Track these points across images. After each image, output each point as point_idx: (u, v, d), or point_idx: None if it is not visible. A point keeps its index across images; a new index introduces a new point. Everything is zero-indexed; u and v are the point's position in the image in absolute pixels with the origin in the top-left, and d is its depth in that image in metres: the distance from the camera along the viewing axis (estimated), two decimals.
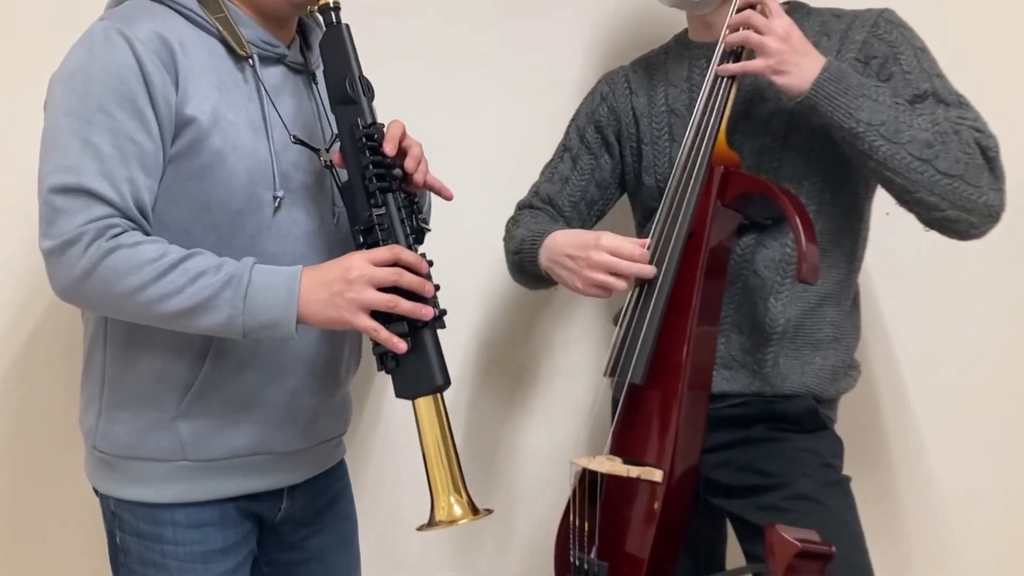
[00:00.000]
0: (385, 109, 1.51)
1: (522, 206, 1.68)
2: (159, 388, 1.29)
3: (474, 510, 1.26)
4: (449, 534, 1.90)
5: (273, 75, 1.35)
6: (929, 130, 1.33)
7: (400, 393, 1.27)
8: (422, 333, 1.25)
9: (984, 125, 1.37)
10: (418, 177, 1.31)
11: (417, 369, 1.25)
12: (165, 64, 1.23)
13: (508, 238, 1.63)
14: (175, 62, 1.24)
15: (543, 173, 1.69)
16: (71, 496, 1.68)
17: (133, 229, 1.20)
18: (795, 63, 1.35)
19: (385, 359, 1.26)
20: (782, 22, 1.37)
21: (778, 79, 1.36)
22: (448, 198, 1.38)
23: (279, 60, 1.36)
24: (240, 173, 1.27)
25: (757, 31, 1.38)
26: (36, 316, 1.72)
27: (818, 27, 1.47)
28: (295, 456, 1.39)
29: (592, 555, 1.43)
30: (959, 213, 1.34)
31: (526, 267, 1.57)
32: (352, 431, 1.52)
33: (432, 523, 1.26)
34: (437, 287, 1.27)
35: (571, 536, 1.46)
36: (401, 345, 1.22)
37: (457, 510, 1.25)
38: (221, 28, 1.30)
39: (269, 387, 1.33)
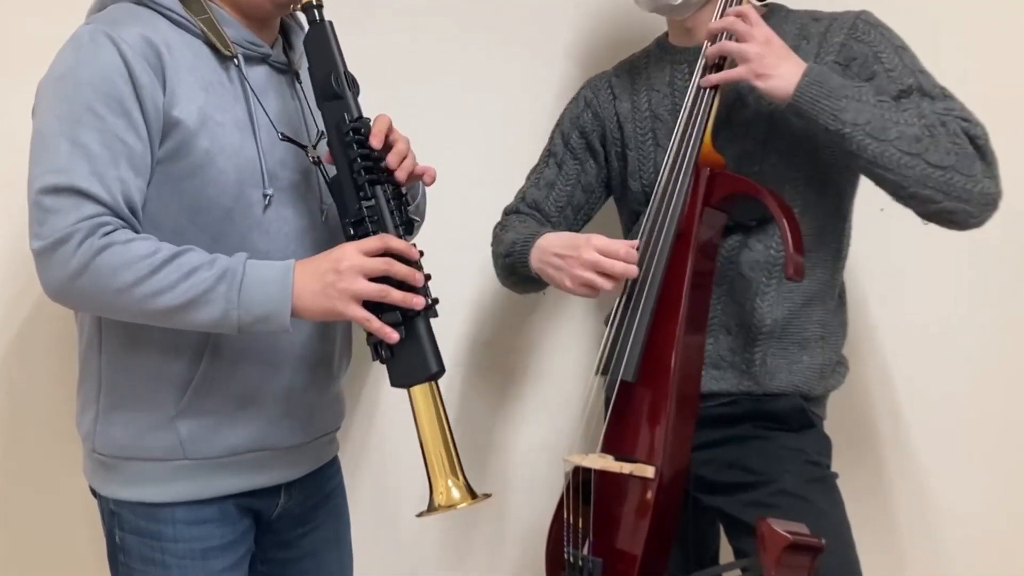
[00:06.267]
0: (372, 112, 1.53)
1: (509, 212, 1.68)
2: (157, 388, 1.29)
3: (472, 494, 1.27)
4: (442, 531, 1.91)
5: (258, 74, 1.36)
6: (916, 124, 1.33)
7: (395, 382, 1.28)
8: (415, 322, 1.25)
9: (970, 114, 1.37)
10: (400, 174, 1.31)
11: (411, 358, 1.26)
12: (152, 66, 1.23)
13: (497, 242, 1.63)
14: (162, 64, 1.24)
15: (529, 178, 1.69)
16: (66, 495, 1.68)
17: (124, 227, 1.20)
18: (776, 67, 1.36)
19: (379, 349, 1.26)
20: (762, 28, 1.39)
21: (760, 83, 1.37)
22: (427, 182, 1.37)
23: (263, 60, 1.37)
24: (229, 172, 1.28)
25: (738, 38, 1.39)
26: (29, 317, 1.72)
27: (797, 30, 1.49)
28: (293, 452, 1.40)
29: (586, 551, 1.44)
30: (956, 204, 1.33)
31: (517, 269, 1.57)
32: (345, 428, 1.52)
33: (431, 508, 1.26)
34: (428, 276, 1.27)
35: (565, 533, 1.47)
36: (393, 335, 1.23)
37: (455, 494, 1.26)
38: (205, 29, 1.30)
39: (266, 383, 1.33)
